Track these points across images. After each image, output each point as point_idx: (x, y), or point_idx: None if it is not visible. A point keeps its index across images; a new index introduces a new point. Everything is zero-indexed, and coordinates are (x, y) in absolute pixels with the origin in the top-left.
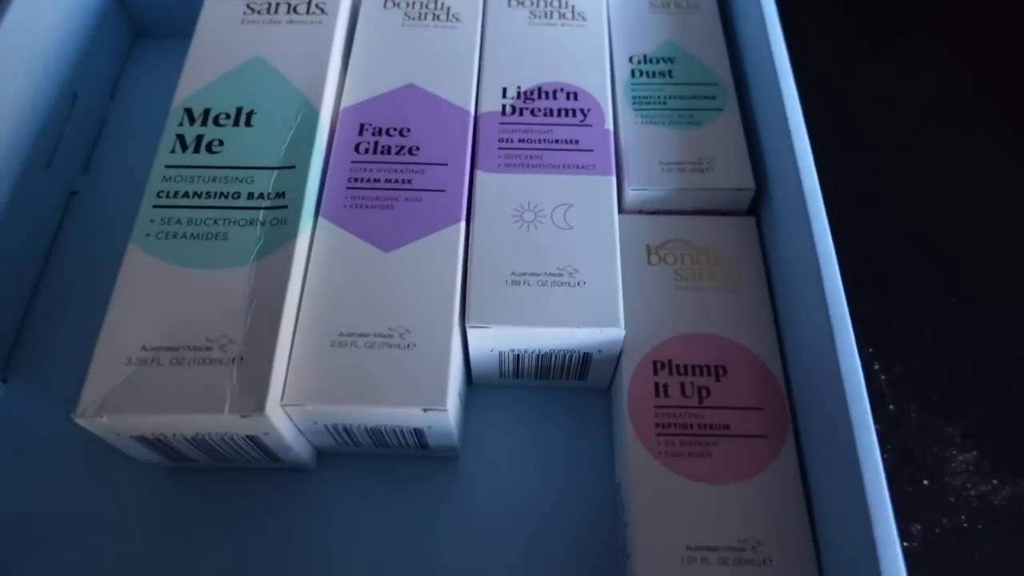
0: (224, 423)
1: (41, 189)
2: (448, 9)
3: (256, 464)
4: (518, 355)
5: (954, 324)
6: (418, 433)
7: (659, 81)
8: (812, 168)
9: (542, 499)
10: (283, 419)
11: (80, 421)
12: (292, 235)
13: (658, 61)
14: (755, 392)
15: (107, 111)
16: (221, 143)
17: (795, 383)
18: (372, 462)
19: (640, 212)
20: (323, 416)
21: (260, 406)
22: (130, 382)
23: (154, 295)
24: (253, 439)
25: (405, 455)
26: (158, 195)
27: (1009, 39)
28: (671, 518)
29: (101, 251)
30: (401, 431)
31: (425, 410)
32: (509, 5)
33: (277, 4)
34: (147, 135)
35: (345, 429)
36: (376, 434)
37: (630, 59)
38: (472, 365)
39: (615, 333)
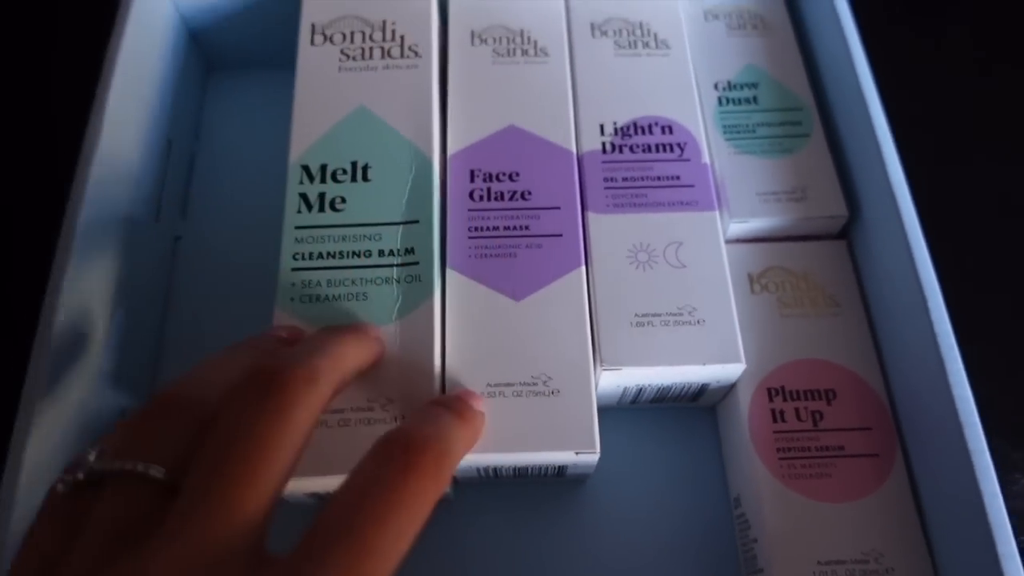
0: None
1: (155, 241)
2: (535, 43)
3: None
4: (641, 388)
5: None
6: (560, 469)
7: (746, 108)
8: (905, 189)
9: (665, 510)
10: None
11: None
12: (428, 291)
13: (742, 87)
14: (864, 413)
15: (195, 152)
16: (343, 200)
17: (899, 401)
18: (504, 487)
19: (738, 240)
20: (478, 461)
21: None
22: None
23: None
24: None
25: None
26: (294, 257)
27: None
28: (800, 536)
29: (213, 294)
30: (546, 469)
31: (577, 453)
32: (593, 36)
33: (371, 49)
34: (233, 171)
35: (494, 470)
36: (521, 471)
37: (715, 86)
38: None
39: (736, 368)
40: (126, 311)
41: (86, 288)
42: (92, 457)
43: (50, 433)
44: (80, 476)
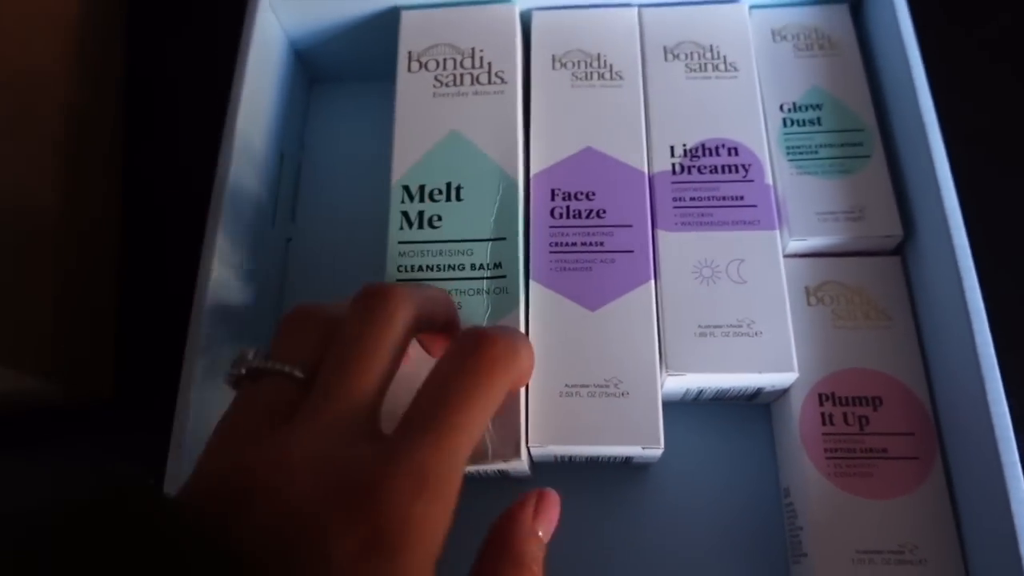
0: (484, 465)
1: (272, 244)
2: (611, 67)
3: (488, 477)
4: (701, 390)
5: None
6: (628, 459)
7: (809, 129)
8: (958, 212)
9: (720, 496)
10: (525, 455)
11: None
12: (515, 303)
13: (807, 108)
14: (907, 419)
15: (301, 161)
16: (440, 218)
17: (942, 410)
18: (577, 471)
19: (796, 255)
20: (557, 451)
21: (516, 452)
22: None
23: (411, 364)
24: (502, 471)
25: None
26: (398, 270)
27: None
28: (842, 527)
29: (321, 290)
30: (615, 458)
31: (643, 448)
32: (666, 59)
33: (462, 75)
34: (334, 174)
35: (570, 457)
36: (593, 459)
37: (780, 107)
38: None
39: (789, 376)
40: (250, 306)
41: (223, 287)
42: (251, 356)
43: (205, 405)
44: (243, 371)
